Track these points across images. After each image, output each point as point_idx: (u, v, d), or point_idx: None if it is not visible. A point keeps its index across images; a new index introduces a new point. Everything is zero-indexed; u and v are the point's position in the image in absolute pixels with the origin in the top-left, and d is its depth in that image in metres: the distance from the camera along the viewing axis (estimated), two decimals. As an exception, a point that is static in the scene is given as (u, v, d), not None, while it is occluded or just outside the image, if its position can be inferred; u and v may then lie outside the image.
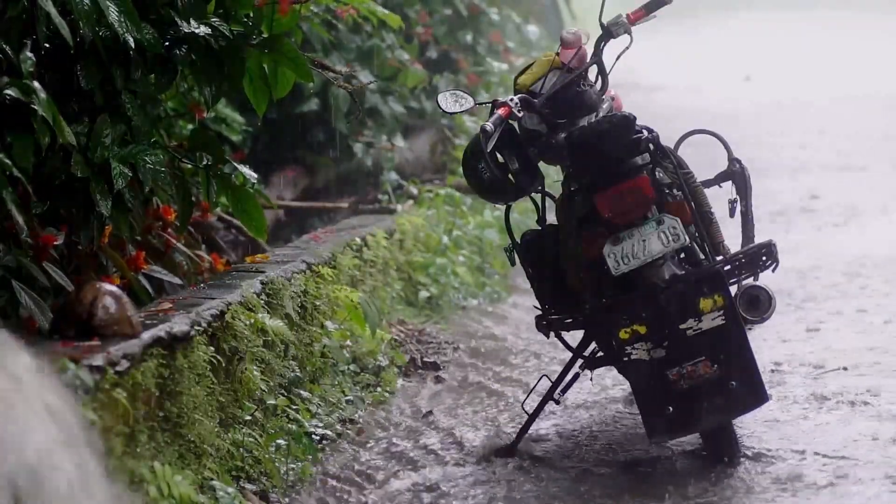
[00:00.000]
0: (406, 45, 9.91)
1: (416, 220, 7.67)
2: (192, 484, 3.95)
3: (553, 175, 5.35)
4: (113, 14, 4.13)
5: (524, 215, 8.12)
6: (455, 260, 7.75)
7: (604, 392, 5.68)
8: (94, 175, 4.36)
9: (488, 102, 4.96)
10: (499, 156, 4.86)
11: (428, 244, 7.66)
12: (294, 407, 5.04)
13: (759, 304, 4.75)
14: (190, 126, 6.43)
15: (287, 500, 4.44)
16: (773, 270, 4.85)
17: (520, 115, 4.82)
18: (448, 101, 4.96)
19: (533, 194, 5.03)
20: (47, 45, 4.31)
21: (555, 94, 4.90)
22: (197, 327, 4.25)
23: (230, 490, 4.13)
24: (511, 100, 4.82)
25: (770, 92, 17.06)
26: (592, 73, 5.04)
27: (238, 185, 4.99)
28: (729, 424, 4.64)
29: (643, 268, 4.60)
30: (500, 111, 4.75)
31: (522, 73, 5.06)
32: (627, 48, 4.95)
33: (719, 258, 4.80)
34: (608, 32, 5.02)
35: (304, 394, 5.21)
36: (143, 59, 4.55)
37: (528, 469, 4.78)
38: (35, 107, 3.94)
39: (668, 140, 4.86)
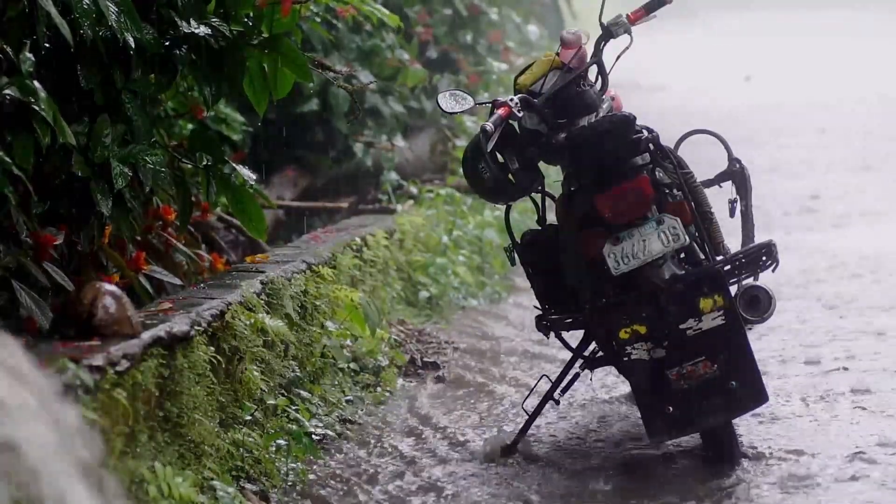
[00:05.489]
0: (406, 45, 9.91)
1: (416, 220, 7.66)
2: (193, 484, 3.95)
3: (553, 175, 5.34)
4: (113, 14, 4.13)
5: (524, 215, 8.12)
6: (455, 260, 7.74)
7: (604, 391, 5.68)
8: (94, 175, 4.36)
9: (488, 102, 4.95)
10: (499, 156, 4.86)
11: (428, 244, 7.65)
12: (294, 407, 5.03)
13: (759, 304, 4.75)
14: (190, 126, 6.44)
15: (287, 500, 4.44)
16: (773, 270, 4.85)
17: (520, 115, 4.82)
18: (448, 101, 4.96)
19: (533, 194, 5.03)
20: (47, 45, 4.30)
21: (555, 94, 4.89)
22: (197, 327, 4.25)
23: (230, 490, 4.13)
24: (511, 100, 4.81)
25: (770, 92, 17.06)
26: (592, 73, 5.04)
27: (238, 186, 4.99)
28: (729, 424, 4.64)
29: (643, 268, 4.60)
30: (500, 111, 4.75)
31: (522, 73, 5.05)
32: (627, 48, 4.95)
33: (719, 258, 4.80)
34: (608, 32, 5.02)
35: (304, 394, 5.21)
36: (143, 59, 4.55)
37: (528, 468, 4.78)
38: (35, 106, 3.94)
39: (668, 140, 4.86)
